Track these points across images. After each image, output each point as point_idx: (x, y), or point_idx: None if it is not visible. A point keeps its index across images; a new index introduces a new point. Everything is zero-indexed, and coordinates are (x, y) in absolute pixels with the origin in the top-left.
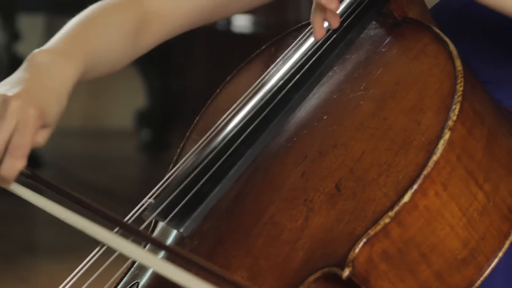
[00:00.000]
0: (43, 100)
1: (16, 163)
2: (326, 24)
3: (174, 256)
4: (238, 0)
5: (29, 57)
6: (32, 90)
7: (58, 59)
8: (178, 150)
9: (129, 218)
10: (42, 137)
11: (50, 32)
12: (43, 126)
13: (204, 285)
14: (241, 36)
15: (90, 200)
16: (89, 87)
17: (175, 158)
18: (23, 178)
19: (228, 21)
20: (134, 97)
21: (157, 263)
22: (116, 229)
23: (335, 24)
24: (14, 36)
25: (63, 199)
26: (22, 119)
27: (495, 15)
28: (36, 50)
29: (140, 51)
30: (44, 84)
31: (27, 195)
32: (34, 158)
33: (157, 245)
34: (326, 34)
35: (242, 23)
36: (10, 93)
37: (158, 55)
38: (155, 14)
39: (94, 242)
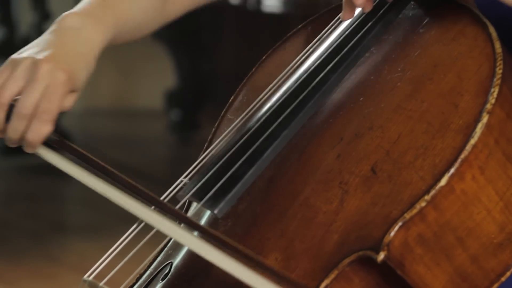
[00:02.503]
0: (72, 65)
1: (43, 128)
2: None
3: (207, 237)
4: None
5: (58, 19)
6: (61, 54)
7: (88, 23)
8: (213, 130)
9: (164, 198)
10: (69, 102)
11: None
12: (71, 90)
13: (237, 265)
14: (271, 16)
15: (123, 176)
16: (119, 67)
17: (209, 138)
18: (51, 144)
19: (258, 1)
20: (164, 77)
21: (193, 241)
22: (151, 207)
23: (367, 8)
24: (45, 15)
25: (92, 169)
26: (51, 84)
27: None
28: (66, 13)
29: (168, 17)
30: (73, 48)
31: (55, 160)
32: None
33: (191, 225)
34: (354, 16)
35: (272, 2)
36: (39, 56)
37: (187, 35)
38: None
39: (124, 222)
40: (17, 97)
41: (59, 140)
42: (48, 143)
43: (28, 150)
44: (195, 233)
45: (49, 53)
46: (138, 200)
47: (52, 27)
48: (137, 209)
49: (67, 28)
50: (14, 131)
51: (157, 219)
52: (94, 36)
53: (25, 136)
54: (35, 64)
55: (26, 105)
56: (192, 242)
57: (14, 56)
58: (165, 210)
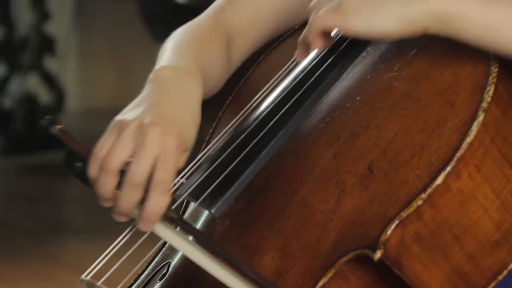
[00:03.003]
0: (181, 125)
1: (163, 199)
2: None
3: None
4: (305, 7)
5: (152, 76)
6: (168, 114)
7: (183, 75)
8: (211, 130)
9: None
10: (181, 162)
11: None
12: (183, 151)
13: (227, 274)
14: None
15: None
16: (118, 67)
17: (207, 138)
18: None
19: None
20: None
21: (185, 246)
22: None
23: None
24: (44, 16)
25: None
26: (163, 151)
27: None
28: (156, 67)
29: (233, 67)
30: (178, 104)
31: (176, 241)
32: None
33: (186, 229)
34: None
35: None
36: (146, 119)
37: None
38: (236, 30)
39: (123, 223)
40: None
41: (178, 218)
42: (167, 218)
43: (144, 227)
44: (190, 237)
45: (155, 115)
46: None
47: (149, 84)
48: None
49: (166, 82)
50: (126, 201)
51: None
52: (194, 86)
53: (143, 209)
54: (142, 127)
55: (138, 173)
56: (184, 247)
57: (119, 117)
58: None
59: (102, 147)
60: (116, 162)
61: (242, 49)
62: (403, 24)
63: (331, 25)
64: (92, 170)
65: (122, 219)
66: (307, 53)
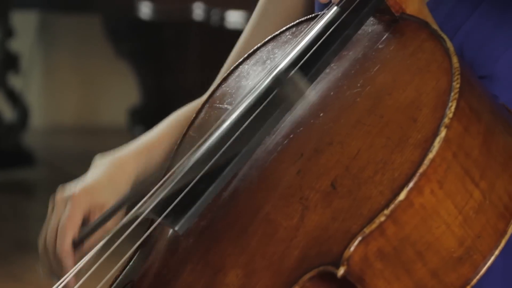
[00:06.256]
0: (91, 185)
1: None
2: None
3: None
4: None
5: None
6: (83, 182)
7: (115, 160)
8: (175, 147)
9: (128, 217)
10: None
11: (43, 29)
12: (96, 206)
13: None
14: (235, 33)
15: None
16: (82, 83)
17: (172, 156)
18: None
19: (221, 17)
20: (128, 94)
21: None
22: None
23: None
24: (7, 32)
25: None
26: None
27: (493, 5)
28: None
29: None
30: (97, 176)
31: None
32: (27, 155)
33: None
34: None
35: (235, 19)
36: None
37: (151, 51)
38: None
39: None
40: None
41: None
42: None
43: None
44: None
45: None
46: None
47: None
48: None
49: (96, 163)
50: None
51: None
52: (125, 162)
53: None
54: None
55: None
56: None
57: None
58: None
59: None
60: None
61: None
62: None
63: None
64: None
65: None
66: None
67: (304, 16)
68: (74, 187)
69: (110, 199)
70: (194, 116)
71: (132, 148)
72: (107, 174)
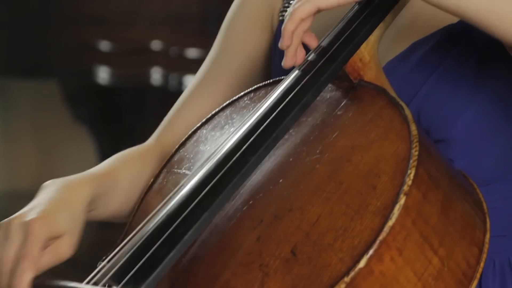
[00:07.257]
0: (48, 211)
1: (23, 275)
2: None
3: None
4: None
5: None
6: (38, 206)
7: (67, 180)
8: (133, 213)
9: (86, 282)
10: (63, 248)
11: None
12: (54, 235)
13: None
14: None
15: None
16: (40, 148)
17: (129, 220)
18: None
19: (179, 82)
20: (86, 159)
21: None
22: None
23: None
24: None
25: None
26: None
27: (449, 69)
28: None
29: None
30: (51, 198)
31: None
32: None
33: None
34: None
35: None
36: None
37: (109, 116)
38: (172, 146)
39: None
40: None
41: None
42: None
43: None
44: None
45: (24, 211)
46: None
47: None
48: None
49: (47, 186)
50: None
51: None
52: (77, 186)
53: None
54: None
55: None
56: None
57: None
58: None
59: None
60: None
61: None
62: None
63: (307, 9)
64: None
65: None
66: (293, 57)
67: (250, 81)
68: (29, 213)
69: (68, 227)
70: (152, 180)
71: (83, 174)
72: (62, 198)
